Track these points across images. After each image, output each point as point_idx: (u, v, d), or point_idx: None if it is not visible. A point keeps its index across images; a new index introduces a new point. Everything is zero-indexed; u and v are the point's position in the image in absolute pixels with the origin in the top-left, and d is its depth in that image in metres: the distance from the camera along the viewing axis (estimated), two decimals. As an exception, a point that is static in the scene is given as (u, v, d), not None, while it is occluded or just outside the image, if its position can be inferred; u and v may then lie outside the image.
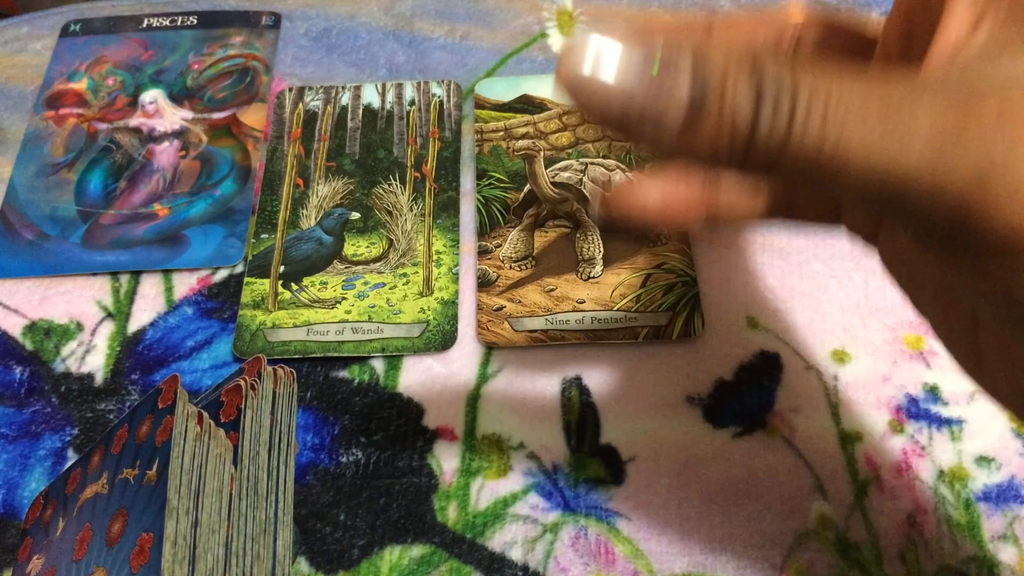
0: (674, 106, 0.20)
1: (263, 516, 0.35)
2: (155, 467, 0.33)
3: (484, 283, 0.48)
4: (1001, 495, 0.41)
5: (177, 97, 0.56)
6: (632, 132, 0.21)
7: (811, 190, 0.27)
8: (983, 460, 0.42)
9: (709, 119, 0.20)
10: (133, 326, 0.48)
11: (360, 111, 0.55)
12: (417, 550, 0.41)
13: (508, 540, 0.41)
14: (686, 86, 0.20)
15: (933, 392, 0.44)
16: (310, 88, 0.56)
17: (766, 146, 0.21)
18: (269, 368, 0.38)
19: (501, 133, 0.53)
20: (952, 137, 0.20)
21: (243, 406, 0.36)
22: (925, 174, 0.20)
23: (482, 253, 0.49)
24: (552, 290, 0.47)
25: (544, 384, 0.45)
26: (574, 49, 0.20)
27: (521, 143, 0.52)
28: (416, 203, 0.51)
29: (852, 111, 0.20)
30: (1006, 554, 0.40)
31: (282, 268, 0.49)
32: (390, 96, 0.55)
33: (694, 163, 0.24)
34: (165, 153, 0.54)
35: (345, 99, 0.55)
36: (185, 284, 0.49)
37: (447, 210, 0.51)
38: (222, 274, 0.49)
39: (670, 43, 0.20)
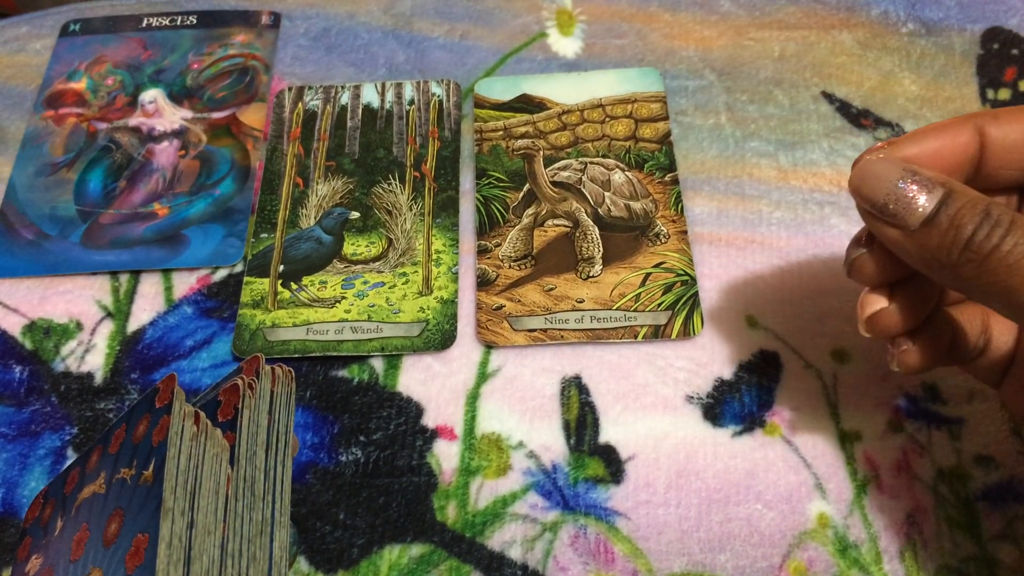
0: (918, 213, 0.32)
1: (260, 517, 0.35)
2: (151, 467, 0.33)
3: (483, 282, 0.48)
4: (1000, 494, 0.41)
5: (177, 97, 0.56)
6: (886, 219, 0.33)
7: (996, 305, 0.32)
8: (982, 459, 0.42)
9: (941, 223, 0.31)
10: (133, 325, 0.48)
11: (359, 110, 0.55)
12: (416, 549, 0.41)
13: (507, 539, 0.41)
14: (932, 206, 0.32)
15: (932, 391, 0.44)
16: (309, 88, 0.56)
17: (981, 246, 0.30)
18: (267, 367, 0.38)
19: (500, 132, 0.53)
20: None
21: (240, 406, 0.36)
22: None
23: (481, 252, 0.49)
24: (551, 289, 0.47)
25: (543, 383, 0.45)
26: (875, 170, 0.33)
27: (520, 142, 0.52)
28: (415, 202, 0.51)
29: None
30: (1005, 553, 0.40)
31: (281, 267, 0.49)
32: (389, 95, 0.55)
33: (918, 259, 0.33)
34: (164, 152, 0.54)
35: (344, 98, 0.55)
36: (185, 283, 0.49)
37: (446, 209, 0.51)
38: (221, 273, 0.49)
39: (930, 178, 0.32)
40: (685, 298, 0.46)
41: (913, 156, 0.35)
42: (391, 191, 0.51)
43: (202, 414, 0.34)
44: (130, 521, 0.33)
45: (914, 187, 0.32)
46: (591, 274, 0.47)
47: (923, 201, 0.32)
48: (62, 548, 0.36)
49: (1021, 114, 0.35)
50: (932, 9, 0.57)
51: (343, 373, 0.46)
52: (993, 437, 0.43)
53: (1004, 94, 0.54)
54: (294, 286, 0.48)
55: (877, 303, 0.37)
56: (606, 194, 0.50)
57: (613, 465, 0.43)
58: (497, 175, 0.51)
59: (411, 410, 0.45)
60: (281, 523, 0.36)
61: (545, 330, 0.46)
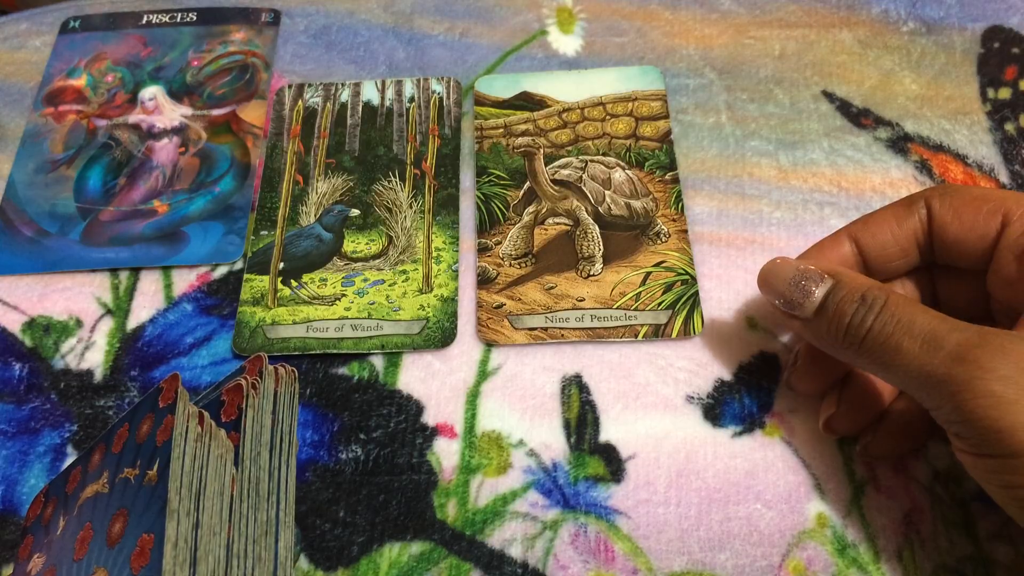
0: (811, 303, 0.38)
1: (264, 517, 0.35)
2: (156, 467, 0.33)
3: (484, 280, 0.48)
4: (998, 494, 0.42)
5: (176, 94, 0.56)
6: (787, 310, 0.39)
7: (882, 376, 0.37)
8: (981, 459, 0.42)
9: (828, 311, 0.37)
10: (132, 323, 0.48)
11: (360, 108, 0.55)
12: (416, 547, 0.41)
13: (507, 537, 0.41)
14: (820, 296, 0.38)
15: (931, 391, 0.44)
16: (310, 85, 0.56)
17: (857, 330, 0.36)
18: (270, 367, 0.38)
19: (501, 130, 0.53)
20: (961, 355, 0.32)
21: (244, 406, 0.36)
22: (939, 376, 0.33)
23: (482, 250, 0.49)
24: (552, 288, 0.47)
25: (544, 382, 0.45)
26: (776, 270, 0.40)
27: (521, 140, 0.52)
28: (416, 200, 0.51)
29: (912, 328, 0.34)
30: (1001, 553, 0.40)
31: (281, 265, 0.49)
32: (390, 93, 0.55)
33: (818, 343, 0.39)
34: (164, 150, 0.54)
35: (345, 96, 0.55)
36: (184, 281, 0.49)
37: (447, 207, 0.51)
38: (221, 271, 0.49)
39: (819, 272, 0.38)
40: (685, 297, 0.46)
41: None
42: (391, 188, 0.51)
43: (206, 415, 0.34)
44: (135, 521, 0.33)
45: (807, 280, 0.38)
46: (591, 273, 0.47)
47: (816, 292, 0.38)
48: (65, 547, 0.36)
49: (883, 217, 0.41)
50: (933, 8, 0.58)
51: (343, 371, 0.46)
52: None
53: (1004, 93, 0.54)
54: (294, 283, 0.48)
55: (828, 409, 0.42)
56: (607, 192, 0.50)
57: (613, 464, 0.43)
58: (497, 173, 0.52)
59: (411, 408, 0.45)
60: (286, 523, 0.36)
61: (545, 328, 0.46)
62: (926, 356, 0.33)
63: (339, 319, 0.47)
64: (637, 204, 0.50)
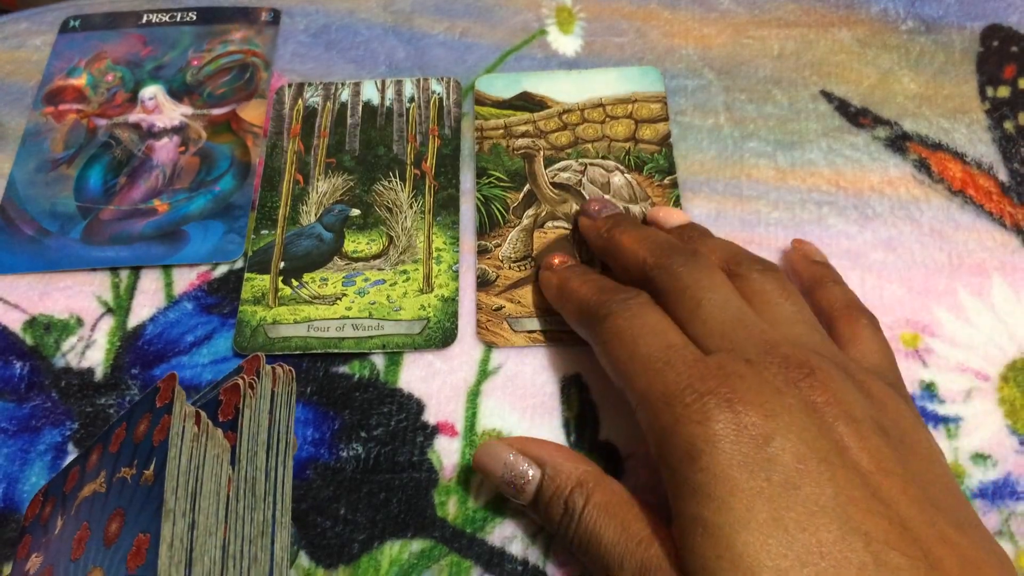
0: (525, 496, 0.39)
1: (261, 518, 0.35)
2: (152, 467, 0.33)
3: (483, 282, 0.48)
4: (997, 492, 0.42)
5: (176, 93, 0.56)
6: (508, 495, 0.40)
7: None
8: (979, 457, 0.42)
9: (541, 504, 0.38)
10: (133, 321, 0.48)
11: (360, 108, 0.55)
12: (417, 545, 0.41)
13: (508, 535, 0.41)
14: (532, 490, 0.39)
15: (929, 390, 0.44)
16: (309, 84, 0.56)
17: (564, 534, 0.37)
18: (268, 367, 0.38)
19: (501, 131, 0.53)
20: None
21: (241, 406, 0.36)
22: None
23: (481, 252, 0.49)
24: (551, 288, 0.47)
25: (544, 381, 0.45)
26: (491, 452, 0.40)
27: (521, 142, 0.52)
28: (416, 200, 0.51)
29: (598, 548, 0.35)
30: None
31: (282, 264, 0.49)
32: (390, 93, 0.55)
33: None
34: (164, 149, 0.54)
35: (345, 95, 0.55)
36: (185, 280, 0.49)
37: (447, 208, 0.51)
38: (222, 270, 0.49)
39: (529, 460, 0.39)
40: (684, 297, 0.46)
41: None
42: (391, 188, 0.51)
43: (203, 414, 0.34)
44: (131, 521, 0.33)
45: (518, 471, 0.39)
46: (590, 273, 0.47)
47: (528, 487, 0.39)
48: (62, 547, 0.36)
49: None
50: (932, 6, 0.58)
51: (344, 369, 0.46)
52: (990, 435, 0.43)
53: (1003, 92, 0.54)
54: (295, 283, 0.48)
55: None
56: (606, 197, 0.50)
57: (612, 462, 0.43)
58: (497, 175, 0.52)
59: (412, 407, 0.45)
60: (282, 523, 0.36)
61: (544, 332, 0.46)
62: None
63: (340, 318, 0.47)
64: (636, 208, 0.50)
